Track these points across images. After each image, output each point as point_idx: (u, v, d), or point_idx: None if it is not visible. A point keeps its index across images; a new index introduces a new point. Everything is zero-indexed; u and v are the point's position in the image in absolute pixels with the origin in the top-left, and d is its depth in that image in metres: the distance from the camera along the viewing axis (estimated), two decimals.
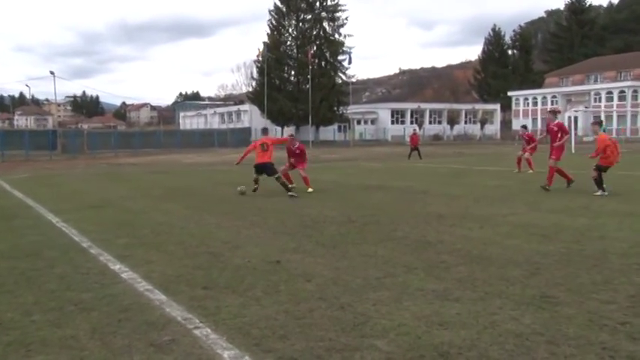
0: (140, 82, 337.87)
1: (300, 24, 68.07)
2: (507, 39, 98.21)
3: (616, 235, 7.61)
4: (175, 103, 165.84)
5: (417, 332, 4.15)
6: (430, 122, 77.61)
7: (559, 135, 13.53)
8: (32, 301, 5.16)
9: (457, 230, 8.30)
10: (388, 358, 3.73)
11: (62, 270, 6.33)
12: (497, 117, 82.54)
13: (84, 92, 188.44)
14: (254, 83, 71.85)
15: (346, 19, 68.20)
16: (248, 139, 57.03)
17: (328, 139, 66.72)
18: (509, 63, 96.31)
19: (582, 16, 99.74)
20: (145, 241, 8.03)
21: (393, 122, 75.32)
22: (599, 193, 12.03)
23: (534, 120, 77.59)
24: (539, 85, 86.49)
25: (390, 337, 4.06)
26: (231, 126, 76.31)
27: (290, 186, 14.21)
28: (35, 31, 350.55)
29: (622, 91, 72.89)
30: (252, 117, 72.87)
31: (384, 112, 76.94)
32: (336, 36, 68.08)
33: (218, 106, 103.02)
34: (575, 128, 45.14)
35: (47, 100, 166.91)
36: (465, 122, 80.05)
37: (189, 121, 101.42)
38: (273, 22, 68.12)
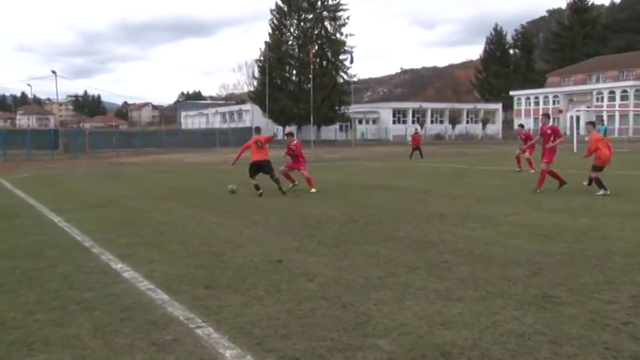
0: (142, 81, 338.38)
1: (302, 23, 68.03)
2: (509, 38, 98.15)
3: (618, 235, 7.60)
4: (177, 102, 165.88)
5: (419, 332, 4.15)
6: (432, 122, 77.55)
7: (552, 138, 13.56)
8: (34, 300, 5.17)
9: (459, 230, 8.29)
10: (390, 357, 3.73)
11: (64, 269, 6.33)
12: (499, 116, 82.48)
13: (85, 92, 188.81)
14: (255, 83, 71.89)
15: (348, 18, 68.22)
16: (249, 139, 57.02)
17: (330, 138, 66.72)
18: (510, 62, 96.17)
19: (584, 16, 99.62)
20: (147, 240, 8.04)
21: (394, 122, 75.25)
22: (601, 192, 12.04)
23: (536, 120, 77.36)
24: (541, 85, 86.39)
25: (392, 337, 4.06)
26: (233, 125, 76.37)
27: (292, 185, 14.22)
28: (37, 31, 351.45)
29: (624, 91, 72.77)
30: (253, 116, 72.82)
31: (385, 112, 76.88)
32: (338, 35, 68.05)
33: (220, 105, 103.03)
34: (577, 128, 45.03)
35: (49, 99, 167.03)
36: (467, 122, 79.98)
37: (190, 121, 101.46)
38: (275, 22, 68.10)
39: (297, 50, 68.21)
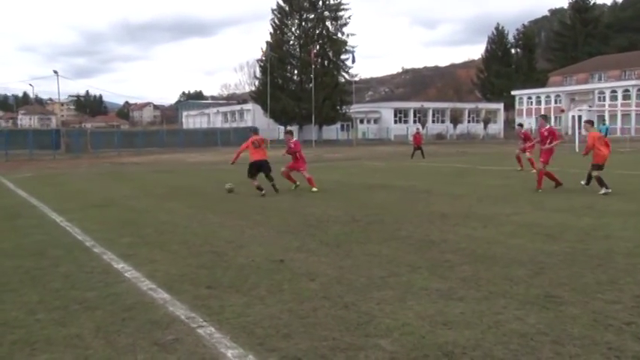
0: (143, 81, 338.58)
1: (303, 23, 67.98)
2: (511, 38, 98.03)
3: (621, 235, 7.58)
4: (178, 102, 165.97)
5: (421, 332, 4.14)
6: (433, 121, 77.48)
7: (548, 139, 13.58)
8: (37, 299, 5.17)
9: (461, 229, 8.29)
10: (392, 357, 3.73)
11: (66, 269, 6.34)
12: (501, 116, 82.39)
13: (87, 92, 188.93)
14: (257, 82, 71.77)
15: (349, 18, 68.21)
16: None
17: (331, 138, 66.69)
18: (512, 62, 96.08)
19: (586, 15, 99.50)
20: (149, 240, 8.04)
21: (396, 121, 75.19)
22: (602, 191, 12.05)
23: (537, 119, 77.34)
24: (543, 84, 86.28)
25: (394, 337, 4.06)
26: (234, 125, 76.38)
27: (294, 186, 14.21)
28: (39, 31, 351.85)
29: (626, 90, 72.64)
30: (255, 116, 72.84)
31: (386, 112, 76.83)
32: (339, 35, 67.99)
33: (221, 105, 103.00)
34: (579, 127, 44.92)
35: (51, 99, 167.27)
36: (468, 121, 79.88)
37: (192, 121, 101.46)
38: (276, 22, 68.07)
39: (298, 50, 68.17)
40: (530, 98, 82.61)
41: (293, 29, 68.62)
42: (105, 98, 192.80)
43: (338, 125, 69.11)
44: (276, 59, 64.66)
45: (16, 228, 9.49)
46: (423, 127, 61.78)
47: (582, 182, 13.03)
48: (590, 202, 10.92)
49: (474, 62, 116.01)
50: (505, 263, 6.13)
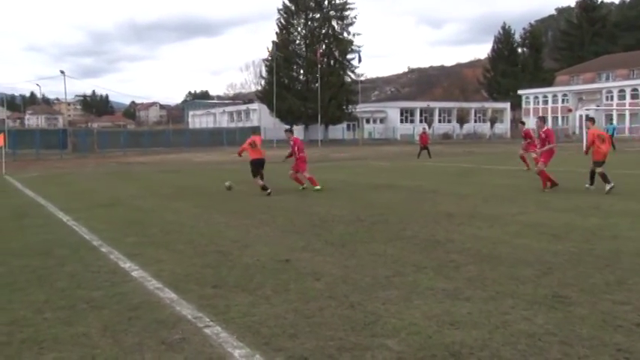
0: (149, 81, 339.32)
1: (309, 23, 68.00)
2: (517, 37, 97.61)
3: (628, 235, 7.54)
4: (184, 102, 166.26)
5: (428, 332, 4.13)
6: (439, 121, 77.28)
7: (546, 141, 13.58)
8: (44, 299, 5.19)
9: (466, 229, 8.26)
10: (399, 357, 3.72)
11: (73, 268, 6.36)
12: (507, 116, 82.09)
13: (94, 91, 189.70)
14: (263, 82, 71.92)
15: (355, 17, 68.09)
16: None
17: (337, 137, 66.68)
18: (519, 61, 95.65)
19: (593, 14, 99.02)
20: (155, 239, 8.06)
21: (402, 121, 75.07)
22: (608, 187, 12.10)
23: (536, 121, 76.89)
24: (550, 84, 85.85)
25: (400, 337, 4.05)
26: (240, 125, 76.43)
27: (302, 188, 14.24)
28: (46, 31, 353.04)
29: (634, 89, 72.13)
30: (261, 116, 72.93)
31: (393, 111, 76.72)
32: (345, 35, 67.97)
33: (227, 105, 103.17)
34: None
35: (57, 99, 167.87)
36: (475, 121, 79.64)
37: (198, 120, 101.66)
38: (282, 21, 68.11)
39: (304, 49, 68.19)
40: (536, 98, 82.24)
41: (299, 29, 68.65)
42: (111, 98, 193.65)
43: (344, 125, 69.11)
44: (282, 59, 64.70)
45: (23, 227, 9.53)
46: (429, 127, 61.59)
47: (586, 185, 12.98)
48: (597, 202, 10.86)
49: (481, 62, 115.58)
50: (511, 263, 6.10)
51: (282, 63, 65.23)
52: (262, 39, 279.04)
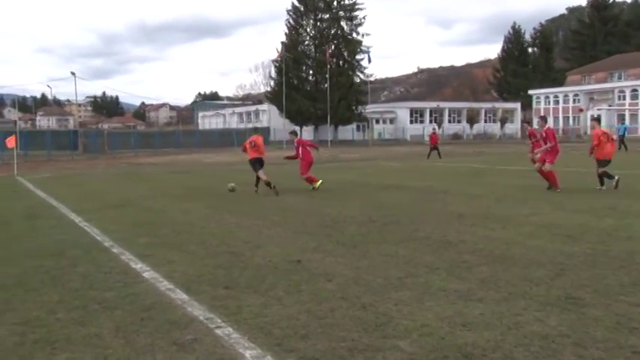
0: (159, 82, 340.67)
1: (318, 23, 68.03)
2: (528, 37, 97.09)
3: None
4: (194, 103, 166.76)
5: (440, 333, 4.10)
6: (449, 121, 77.09)
7: (547, 140, 13.52)
8: (57, 299, 5.21)
9: (479, 230, 8.22)
10: (411, 358, 3.70)
11: (85, 269, 6.39)
12: (518, 116, 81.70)
13: (104, 93, 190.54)
14: (272, 83, 72.01)
15: (364, 18, 68.12)
16: (267, 139, 57.17)
17: (347, 138, 66.63)
18: (529, 61, 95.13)
19: (605, 13, 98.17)
20: (166, 240, 8.08)
21: (411, 121, 74.93)
22: (614, 182, 12.40)
23: (556, 119, 76.56)
24: (561, 84, 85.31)
25: (412, 338, 4.03)
26: (250, 125, 76.50)
27: (313, 187, 14.28)
28: (56, 33, 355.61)
29: None
30: (270, 117, 73.03)
31: (402, 112, 76.59)
32: (354, 35, 67.98)
33: (237, 105, 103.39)
34: (599, 127, 44.36)
35: (68, 100, 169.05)
36: (485, 121, 79.37)
37: (207, 121, 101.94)
38: (291, 22, 68.19)
39: (313, 50, 68.25)
40: (547, 98, 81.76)
41: (308, 29, 68.72)
42: (121, 99, 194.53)
43: (354, 125, 69.07)
44: (291, 59, 64.77)
45: (36, 228, 9.60)
46: (439, 127, 61.44)
47: (598, 187, 12.90)
48: (612, 203, 10.76)
49: (491, 62, 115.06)
50: (524, 264, 6.06)
51: (292, 64, 65.31)
52: (271, 40, 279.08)
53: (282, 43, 66.24)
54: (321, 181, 14.42)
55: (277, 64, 66.99)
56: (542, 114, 74.73)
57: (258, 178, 13.84)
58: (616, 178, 12.52)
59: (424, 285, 5.35)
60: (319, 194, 13.51)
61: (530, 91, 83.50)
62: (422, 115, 76.49)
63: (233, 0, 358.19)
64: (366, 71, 69.51)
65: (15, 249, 7.72)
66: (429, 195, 13.09)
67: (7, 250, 7.70)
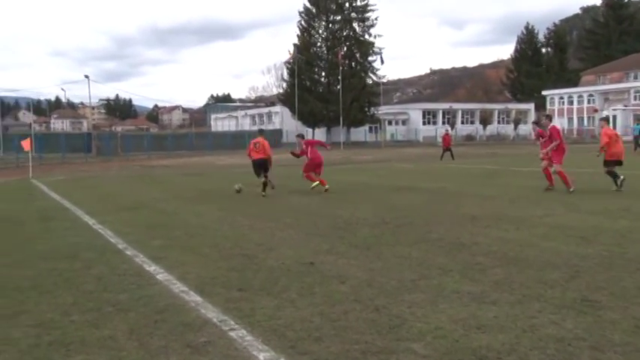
0: (172, 84, 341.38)
1: (330, 25, 68.11)
2: (541, 37, 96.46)
3: None
4: (207, 105, 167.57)
5: (454, 335, 4.08)
6: (462, 122, 76.79)
7: (552, 140, 13.43)
8: (71, 301, 5.24)
9: (492, 232, 8.16)
10: None
11: (99, 271, 6.42)
12: (532, 117, 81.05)
13: (117, 95, 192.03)
14: (285, 85, 72.19)
15: (376, 19, 68.09)
16: (279, 141, 57.35)
17: (359, 140, 66.60)
18: (543, 61, 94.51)
19: (620, 12, 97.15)
20: (180, 242, 8.10)
21: (424, 123, 74.75)
22: (618, 181, 12.52)
23: (570, 119, 75.95)
24: (575, 84, 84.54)
25: (426, 341, 4.00)
26: (263, 127, 76.67)
27: (325, 189, 14.33)
28: (70, 36, 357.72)
29: None
30: (283, 118, 73.19)
31: (415, 113, 76.43)
32: (366, 36, 67.98)
33: (249, 107, 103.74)
34: (615, 127, 43.95)
35: (82, 103, 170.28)
36: (498, 122, 78.97)
37: (220, 123, 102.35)
38: (303, 24, 68.33)
39: (325, 52, 68.34)
40: (562, 98, 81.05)
41: (320, 31, 68.84)
42: (134, 102, 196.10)
43: (366, 127, 69.06)
44: (303, 61, 64.87)
45: (50, 230, 9.67)
46: (452, 129, 61.17)
47: (614, 188, 12.77)
48: (626, 204, 10.66)
49: (504, 62, 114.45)
50: (539, 266, 6.01)
51: (304, 65, 65.42)
52: (283, 42, 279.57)
53: (295, 45, 66.40)
54: (317, 182, 14.54)
55: (289, 66, 67.15)
56: (557, 115, 74.33)
57: (265, 184, 13.86)
58: (621, 177, 12.51)
59: (438, 287, 5.32)
60: (332, 196, 13.50)
61: (543, 92, 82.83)
62: (434, 117, 76.27)
63: (245, 2, 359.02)
64: (378, 73, 69.62)
65: (29, 251, 7.78)
66: (442, 196, 13.03)
67: (22, 252, 7.76)
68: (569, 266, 5.95)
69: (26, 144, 25.76)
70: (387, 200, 12.65)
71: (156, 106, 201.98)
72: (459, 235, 7.99)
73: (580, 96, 78.51)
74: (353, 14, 67.74)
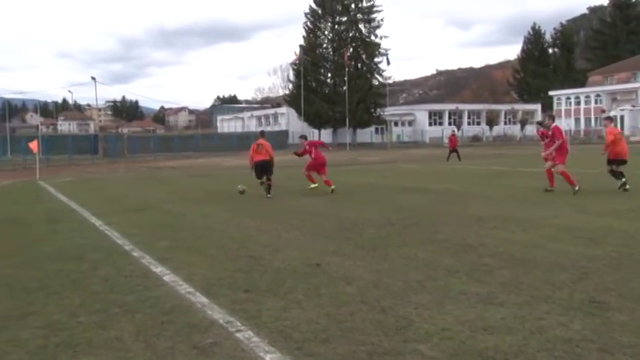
0: (178, 86, 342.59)
1: (336, 26, 68.08)
2: (548, 37, 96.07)
3: None
4: (213, 106, 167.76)
5: (461, 337, 4.06)
6: (469, 123, 76.54)
7: (554, 140, 13.36)
8: (78, 303, 5.26)
9: (499, 233, 8.13)
10: None
11: (106, 272, 6.44)
12: (538, 117, 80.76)
13: (123, 97, 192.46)
14: (291, 86, 72.19)
15: (382, 20, 67.94)
16: (285, 142, 57.39)
17: (365, 141, 66.53)
18: (549, 62, 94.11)
19: (628, 12, 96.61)
20: (186, 244, 8.11)
21: (430, 124, 74.55)
22: (619, 183, 12.47)
23: (577, 120, 75.62)
24: (582, 84, 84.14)
25: (433, 342, 3.99)
26: (269, 129, 76.62)
27: (312, 185, 14.53)
28: (76, 38, 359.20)
29: None
30: (289, 120, 73.21)
31: (421, 114, 76.27)
32: (372, 37, 67.87)
33: (255, 109, 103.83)
34: (622, 128, 43.76)
35: (89, 105, 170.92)
36: (505, 123, 78.68)
37: (226, 125, 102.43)
38: (309, 25, 68.31)
39: (331, 53, 68.31)
40: (568, 99, 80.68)
41: (326, 32, 68.81)
42: (141, 103, 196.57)
43: (372, 128, 68.95)
44: (309, 63, 64.89)
45: (57, 231, 9.71)
46: (458, 129, 61.05)
47: (618, 186, 12.71)
48: (635, 205, 10.59)
49: (510, 63, 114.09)
50: (546, 267, 5.98)
51: (310, 67, 65.44)
52: (289, 43, 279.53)
53: (301, 46, 66.43)
54: (316, 185, 14.76)
55: (295, 68, 67.18)
56: (564, 115, 74.09)
57: (269, 186, 13.87)
58: (624, 179, 12.55)
59: (444, 288, 5.31)
60: (338, 197, 13.49)
61: (550, 92, 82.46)
62: (441, 118, 76.08)
63: (251, 3, 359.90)
64: (384, 74, 69.46)
65: (37, 252, 7.81)
66: (448, 197, 13.00)
67: (29, 253, 7.79)
68: (577, 267, 5.92)
69: (34, 146, 25.90)
70: (393, 201, 12.63)
71: (162, 107, 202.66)
72: (466, 236, 7.96)
73: (587, 96, 78.14)
74: (359, 15, 67.68)
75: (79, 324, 4.65)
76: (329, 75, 69.33)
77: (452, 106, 79.77)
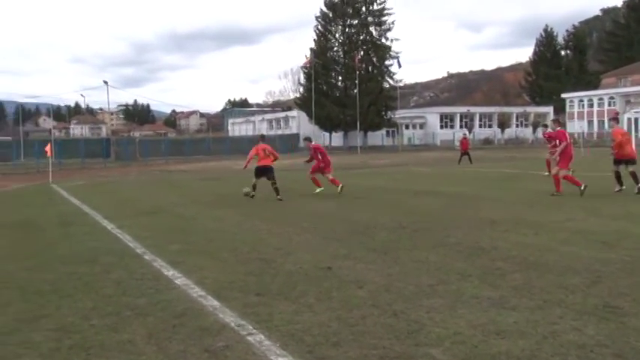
0: (189, 90, 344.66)
1: (347, 29, 68.11)
2: (560, 39, 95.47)
3: None
4: (224, 110, 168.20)
5: (473, 341, 4.03)
6: (480, 126, 76.18)
7: (559, 142, 13.26)
8: (91, 305, 5.29)
9: (511, 236, 8.08)
10: None
11: (118, 275, 6.47)
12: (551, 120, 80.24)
13: (135, 101, 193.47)
14: (301, 89, 72.36)
15: (392, 23, 67.91)
16: (296, 145, 57.46)
17: (377, 144, 66.46)
18: (562, 64, 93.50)
19: None
20: (197, 247, 8.14)
21: (442, 127, 74.32)
22: (616, 188, 12.59)
23: (590, 122, 75.05)
24: (595, 87, 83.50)
25: (445, 346, 3.97)
26: (280, 132, 77.04)
27: (318, 190, 14.49)
28: (89, 43, 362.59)
29: None
30: (300, 123, 73.32)
31: (432, 117, 76.05)
32: (383, 40, 67.85)
33: (266, 112, 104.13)
34: (636, 130, 43.38)
35: (101, 109, 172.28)
36: (517, 126, 78.26)
37: (237, 128, 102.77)
38: (320, 28, 68.40)
39: (342, 56, 68.34)
40: (581, 101, 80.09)
41: (337, 35, 68.87)
42: (152, 107, 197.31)
43: (383, 131, 68.91)
44: (320, 66, 64.94)
45: (69, 235, 9.77)
46: (469, 132, 60.76)
47: (635, 191, 12.55)
48: None
49: (522, 65, 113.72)
50: (559, 271, 5.93)
51: (321, 70, 65.49)
52: (300, 46, 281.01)
53: (311, 49, 66.49)
54: (322, 188, 14.74)
55: (306, 71, 67.28)
56: (577, 118, 73.62)
57: (276, 190, 13.96)
58: (623, 187, 12.45)
59: (456, 292, 5.28)
60: (349, 200, 13.47)
61: (563, 95, 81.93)
62: (452, 120, 75.82)
63: (261, 7, 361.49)
64: (395, 76, 69.41)
65: (49, 255, 7.87)
66: (460, 200, 12.94)
67: (42, 256, 7.85)
68: (591, 271, 5.87)
69: (49, 149, 26.14)
70: (404, 204, 12.59)
71: (173, 111, 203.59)
72: (478, 239, 7.92)
73: (600, 99, 77.52)
74: (370, 18, 67.70)
75: (91, 327, 4.68)
76: (340, 78, 69.35)
77: (463, 109, 79.50)
